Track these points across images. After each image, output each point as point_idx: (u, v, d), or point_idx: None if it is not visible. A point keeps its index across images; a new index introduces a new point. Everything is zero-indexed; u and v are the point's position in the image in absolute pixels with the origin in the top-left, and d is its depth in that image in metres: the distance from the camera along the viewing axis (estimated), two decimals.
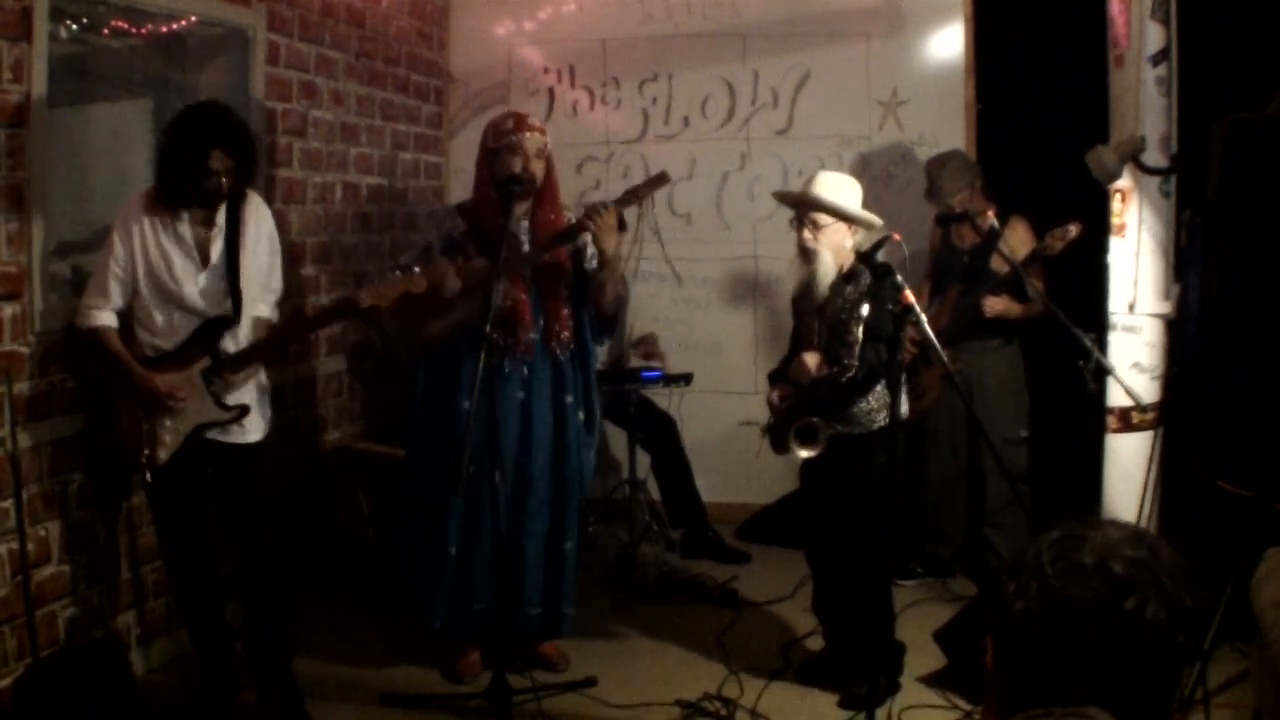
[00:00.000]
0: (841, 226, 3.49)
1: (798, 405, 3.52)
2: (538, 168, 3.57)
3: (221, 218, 3.27)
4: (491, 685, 3.42)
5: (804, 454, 3.43)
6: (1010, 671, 1.28)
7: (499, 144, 3.58)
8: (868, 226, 3.53)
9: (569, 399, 3.71)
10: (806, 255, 3.53)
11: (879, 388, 3.48)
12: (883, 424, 3.50)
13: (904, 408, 3.50)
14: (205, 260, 3.24)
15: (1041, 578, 1.25)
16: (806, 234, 3.51)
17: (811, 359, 3.50)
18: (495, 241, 3.39)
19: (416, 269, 3.30)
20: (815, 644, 3.92)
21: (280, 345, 3.27)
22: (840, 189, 3.52)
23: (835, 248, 3.48)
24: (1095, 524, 1.29)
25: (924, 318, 3.05)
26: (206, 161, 3.13)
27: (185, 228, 3.23)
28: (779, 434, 3.57)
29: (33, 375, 3.30)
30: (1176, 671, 1.25)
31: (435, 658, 3.83)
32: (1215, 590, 2.93)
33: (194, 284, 3.23)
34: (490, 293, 3.25)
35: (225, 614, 3.45)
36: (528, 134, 3.55)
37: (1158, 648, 1.22)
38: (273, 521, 3.43)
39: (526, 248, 3.61)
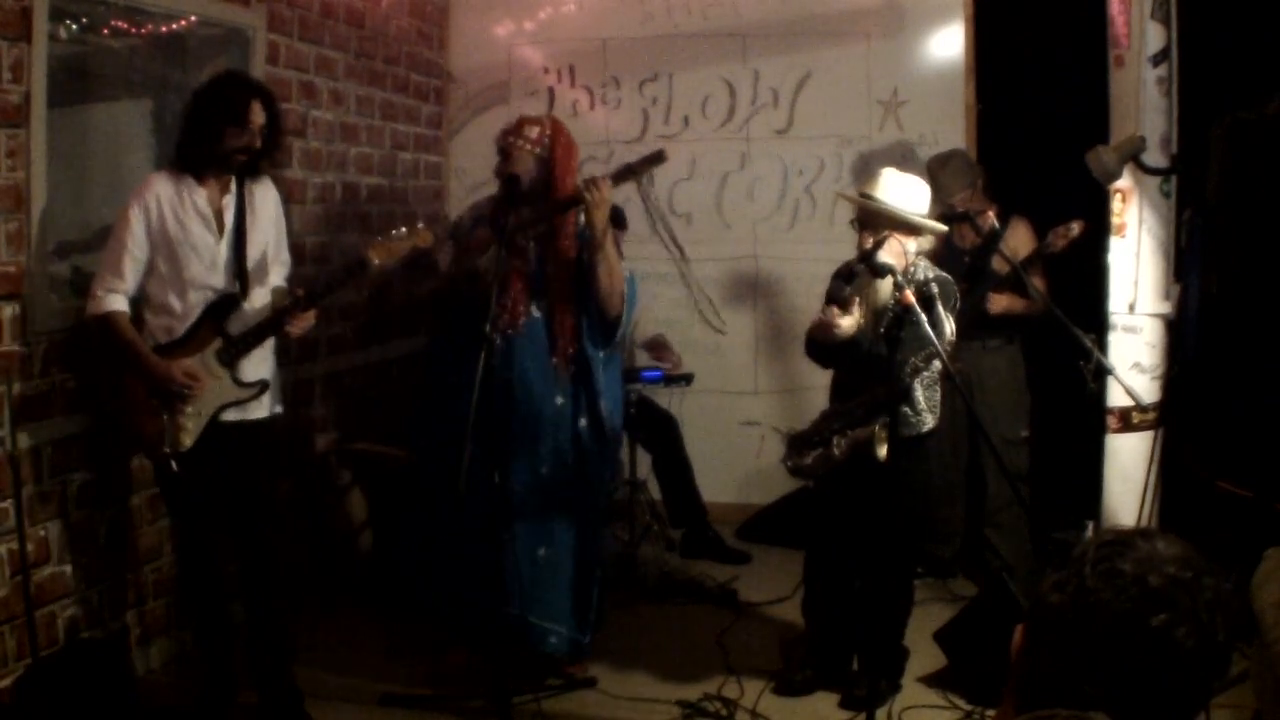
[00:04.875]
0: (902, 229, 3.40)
1: (837, 415, 3.49)
2: (522, 169, 3.58)
3: (233, 188, 3.27)
4: (491, 685, 3.43)
5: (884, 451, 3.30)
6: (1034, 662, 1.28)
7: (497, 147, 3.68)
8: (930, 233, 3.46)
9: (559, 400, 3.68)
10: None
11: (921, 390, 3.44)
12: (931, 427, 3.48)
13: (931, 419, 3.50)
14: (221, 230, 3.25)
15: (1080, 576, 1.25)
16: (867, 237, 3.40)
17: (847, 320, 3.36)
18: (497, 236, 3.47)
19: (421, 224, 3.34)
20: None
21: (279, 326, 3.26)
22: (903, 191, 3.43)
23: (896, 253, 3.35)
24: (1150, 535, 1.28)
25: (924, 318, 3.05)
26: (247, 113, 3.16)
27: (202, 200, 3.23)
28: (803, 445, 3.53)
29: (33, 375, 3.30)
30: (1196, 698, 1.23)
31: (434, 658, 3.82)
32: None
33: (211, 256, 3.22)
34: (490, 290, 3.27)
35: (230, 612, 3.44)
36: (511, 139, 3.62)
37: (1179, 670, 1.21)
38: (275, 519, 3.42)
39: (531, 249, 3.63)
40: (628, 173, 3.62)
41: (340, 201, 4.86)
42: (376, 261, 3.25)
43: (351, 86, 4.88)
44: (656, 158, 3.63)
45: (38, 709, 3.06)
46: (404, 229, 3.30)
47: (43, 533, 3.35)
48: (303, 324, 3.26)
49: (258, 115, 3.19)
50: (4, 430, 3.17)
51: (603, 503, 3.88)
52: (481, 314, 3.24)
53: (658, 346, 5.21)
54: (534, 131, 3.61)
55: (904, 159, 5.20)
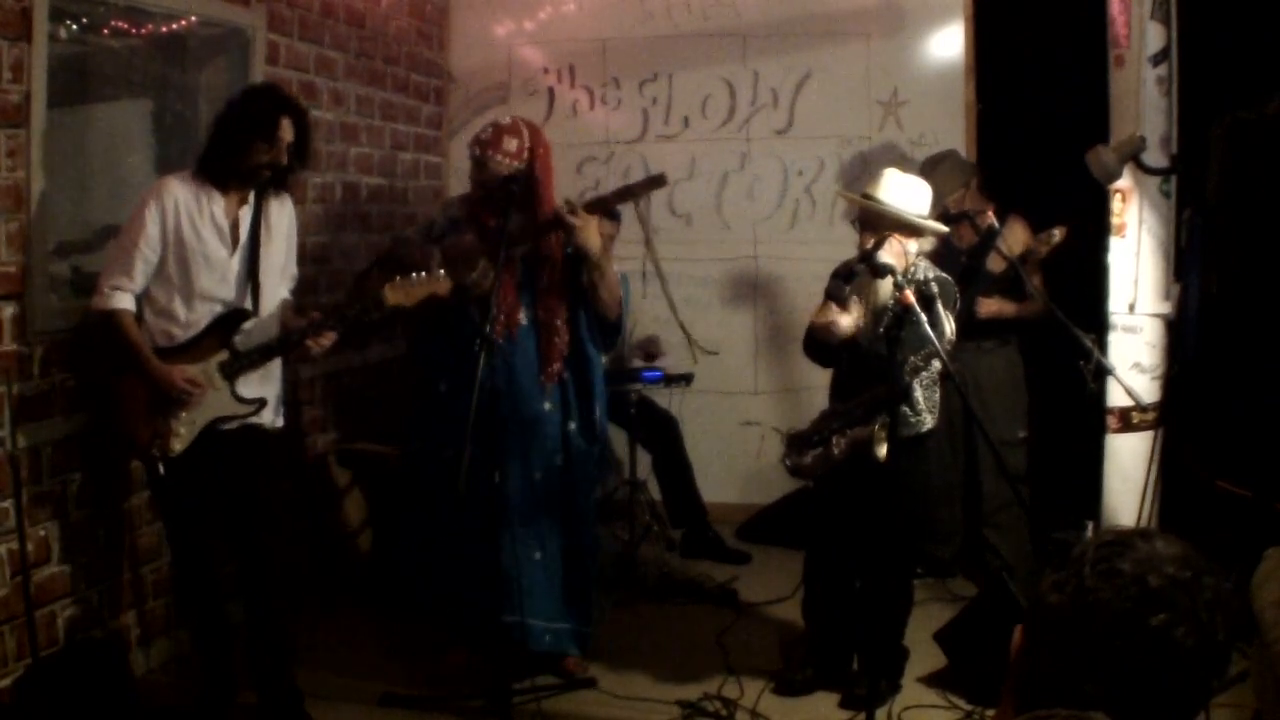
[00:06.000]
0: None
1: (838, 415, 3.49)
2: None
3: (251, 200, 3.26)
4: (492, 685, 3.43)
5: (883, 451, 3.30)
6: (1034, 663, 1.28)
7: (470, 154, 3.63)
8: (931, 233, 3.46)
9: (547, 406, 3.68)
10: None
11: (920, 390, 3.44)
12: (930, 427, 3.48)
13: (930, 419, 3.50)
14: (235, 243, 3.23)
15: (1079, 576, 1.25)
16: (868, 237, 3.40)
17: (845, 319, 3.37)
18: (488, 240, 3.45)
19: (441, 271, 3.30)
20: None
21: (295, 345, 3.26)
22: (904, 191, 3.43)
23: (897, 254, 3.35)
24: (1149, 535, 1.28)
25: (924, 317, 3.05)
26: (275, 130, 3.15)
27: (219, 211, 3.21)
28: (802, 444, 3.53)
29: (32, 375, 3.30)
30: (1196, 698, 1.24)
31: (434, 658, 3.82)
32: None
33: (223, 269, 3.21)
34: (491, 291, 3.27)
35: (227, 612, 3.44)
36: (489, 152, 3.52)
37: (1179, 670, 1.21)
38: (274, 520, 3.42)
39: (517, 250, 3.62)
40: (626, 194, 3.60)
41: (340, 201, 4.86)
42: (391, 302, 3.24)
43: (351, 86, 4.88)
44: (657, 181, 3.63)
45: (38, 709, 3.06)
46: (423, 274, 3.26)
47: (43, 533, 3.35)
48: (324, 342, 3.26)
49: (287, 132, 3.18)
50: (4, 430, 3.17)
51: (594, 501, 3.87)
52: (477, 319, 3.24)
53: (648, 344, 5.20)
54: (513, 144, 3.53)
55: (904, 159, 5.20)
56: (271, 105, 3.19)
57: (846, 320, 3.35)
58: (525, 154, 3.56)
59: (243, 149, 3.17)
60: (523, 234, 3.55)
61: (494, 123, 3.64)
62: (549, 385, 3.66)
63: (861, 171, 5.25)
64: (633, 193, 3.60)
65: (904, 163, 5.24)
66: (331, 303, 4.45)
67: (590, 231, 3.49)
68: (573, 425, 3.71)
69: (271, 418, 3.37)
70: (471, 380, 3.11)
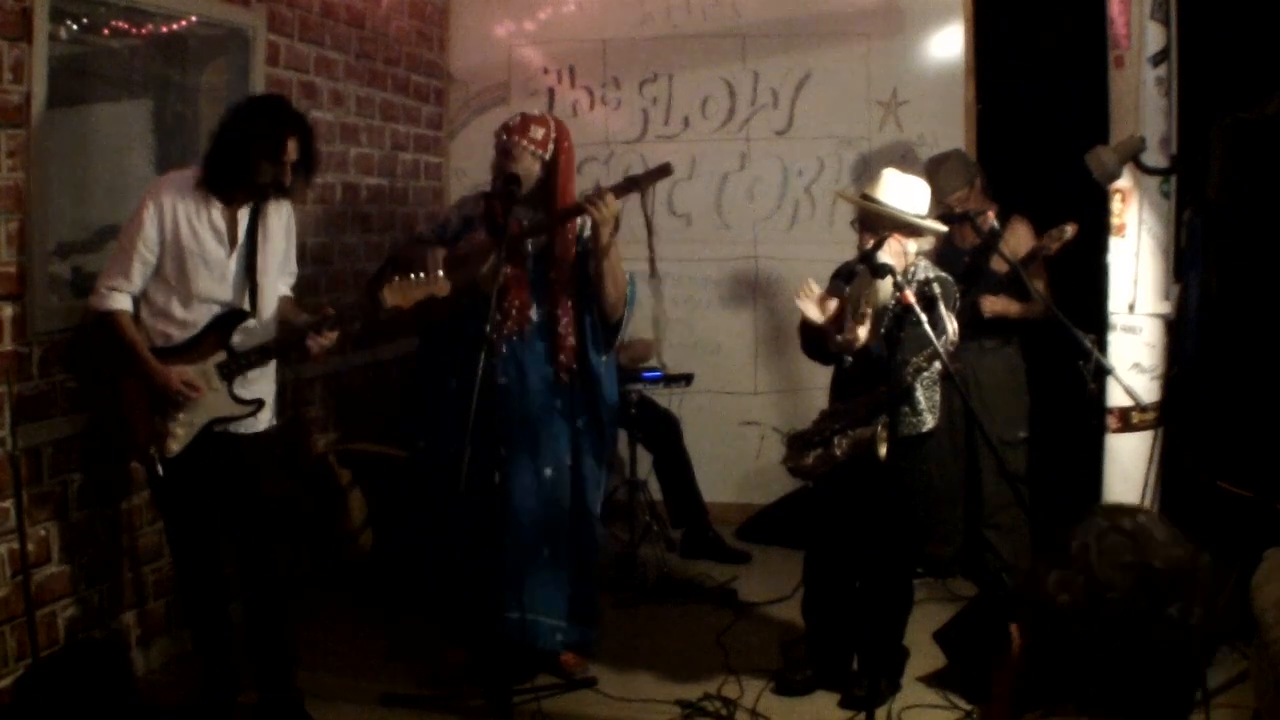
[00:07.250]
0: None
1: (841, 414, 3.49)
2: (523, 169, 3.54)
3: (248, 205, 3.25)
4: (492, 685, 3.43)
5: (884, 450, 3.30)
6: (1040, 664, 1.27)
7: (496, 142, 3.63)
8: (930, 233, 3.46)
9: (558, 403, 3.68)
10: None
11: (921, 390, 3.45)
12: (931, 427, 3.48)
13: (931, 419, 3.50)
14: (233, 243, 3.22)
15: (1088, 572, 1.23)
16: (867, 237, 3.40)
17: (862, 330, 3.34)
18: (496, 237, 3.45)
19: (440, 272, 3.29)
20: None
21: (297, 344, 3.26)
22: (903, 192, 3.44)
23: (897, 254, 3.36)
24: (1135, 519, 1.27)
25: (924, 318, 3.05)
26: (281, 152, 3.13)
27: (218, 213, 3.19)
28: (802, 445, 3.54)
29: (32, 375, 3.30)
30: (1191, 685, 1.24)
31: (434, 658, 3.82)
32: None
33: (221, 269, 3.19)
34: (490, 291, 3.27)
35: (229, 613, 3.44)
36: (515, 138, 3.54)
37: (1183, 655, 1.22)
38: (275, 521, 3.42)
39: (529, 248, 3.62)
40: (633, 185, 3.61)
41: (340, 202, 4.86)
42: (390, 303, 3.23)
43: (352, 87, 4.88)
44: (662, 171, 3.63)
45: (38, 709, 3.06)
46: (423, 274, 3.25)
47: (43, 533, 3.35)
48: (324, 341, 3.24)
49: (292, 153, 3.17)
50: (4, 430, 3.16)
51: (600, 500, 3.88)
52: (482, 318, 3.24)
53: (634, 347, 5.19)
54: (539, 133, 3.56)
55: (903, 159, 5.19)
56: (277, 125, 3.16)
57: (862, 331, 3.34)
58: (550, 145, 3.57)
59: (248, 168, 3.15)
60: (540, 226, 3.56)
61: (522, 112, 3.67)
62: (560, 382, 3.66)
63: (866, 171, 5.25)
64: (638, 183, 3.61)
65: (904, 163, 5.26)
66: (343, 302, 4.45)
67: (608, 224, 3.50)
68: (580, 423, 3.72)
69: (269, 418, 3.36)
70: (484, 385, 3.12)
